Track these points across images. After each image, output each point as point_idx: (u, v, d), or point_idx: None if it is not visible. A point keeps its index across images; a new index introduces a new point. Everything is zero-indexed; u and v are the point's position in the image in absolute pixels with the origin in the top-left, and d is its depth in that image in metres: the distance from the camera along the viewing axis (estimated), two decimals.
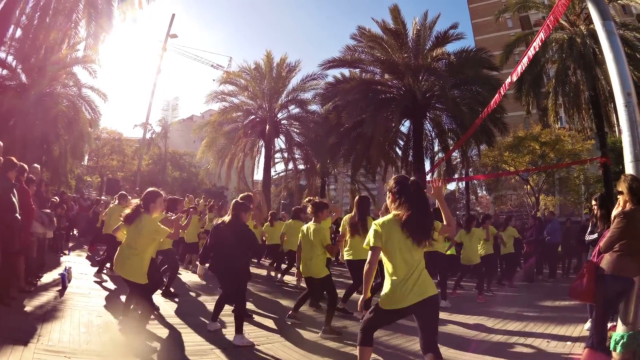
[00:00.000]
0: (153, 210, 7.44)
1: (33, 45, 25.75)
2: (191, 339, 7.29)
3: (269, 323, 8.80)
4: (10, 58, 29.81)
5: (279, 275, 15.14)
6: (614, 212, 6.37)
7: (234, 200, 8.33)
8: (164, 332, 7.57)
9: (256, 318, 9.07)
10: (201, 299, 10.91)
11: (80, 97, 35.65)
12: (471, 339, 8.16)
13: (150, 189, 7.91)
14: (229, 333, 7.66)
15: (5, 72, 30.95)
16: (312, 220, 8.98)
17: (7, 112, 28.45)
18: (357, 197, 10.35)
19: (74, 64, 32.99)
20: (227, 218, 8.01)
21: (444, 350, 7.25)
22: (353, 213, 9.98)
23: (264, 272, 16.54)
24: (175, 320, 8.44)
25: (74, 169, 45.17)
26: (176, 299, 10.43)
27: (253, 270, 13.74)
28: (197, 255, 16.21)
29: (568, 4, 12.36)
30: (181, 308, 9.62)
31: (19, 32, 25.89)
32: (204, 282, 13.04)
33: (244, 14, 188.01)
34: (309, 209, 9.34)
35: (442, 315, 10.43)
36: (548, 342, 7.92)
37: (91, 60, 31.26)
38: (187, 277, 14.44)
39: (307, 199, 9.73)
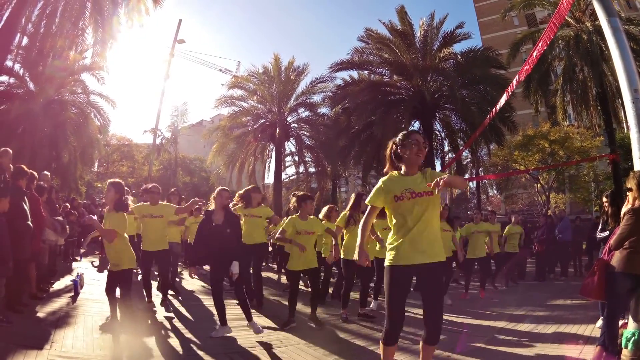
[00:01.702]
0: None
1: (40, 53, 25.83)
2: (203, 343, 7.28)
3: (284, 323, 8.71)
4: (17, 66, 30.05)
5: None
6: (624, 209, 6.35)
7: (218, 188, 8.40)
8: (175, 338, 7.56)
9: (269, 321, 9.07)
10: (209, 304, 10.87)
11: (88, 104, 35.79)
12: (482, 340, 8.15)
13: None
14: (240, 337, 7.69)
15: (12, 80, 31.12)
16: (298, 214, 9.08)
17: (16, 119, 28.60)
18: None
19: (82, 71, 33.15)
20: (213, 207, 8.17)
21: (455, 353, 7.28)
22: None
23: (274, 276, 16.44)
24: (185, 325, 8.46)
25: (84, 175, 45.30)
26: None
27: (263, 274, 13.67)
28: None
29: (573, 2, 12.35)
30: (190, 313, 9.65)
31: (25, 40, 26.02)
32: (209, 287, 13.07)
33: (251, 17, 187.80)
34: (292, 202, 9.43)
35: (452, 316, 10.45)
36: (560, 341, 7.90)
37: (99, 67, 31.35)
38: (193, 281, 14.44)
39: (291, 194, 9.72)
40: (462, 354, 7.13)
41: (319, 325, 8.64)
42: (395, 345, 4.95)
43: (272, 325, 8.83)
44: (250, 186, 11.65)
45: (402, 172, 5.09)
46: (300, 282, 10.28)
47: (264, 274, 12.47)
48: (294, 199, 9.46)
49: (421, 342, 4.90)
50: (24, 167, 8.63)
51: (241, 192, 10.93)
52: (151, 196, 9.71)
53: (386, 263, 4.93)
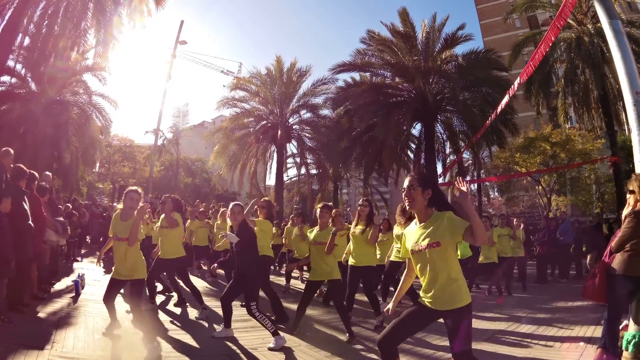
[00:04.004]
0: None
1: (42, 53, 25.84)
2: (205, 344, 7.32)
3: (286, 328, 8.67)
4: (19, 66, 30.08)
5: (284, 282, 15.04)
6: (625, 211, 6.35)
7: (231, 205, 8.40)
8: (176, 338, 7.58)
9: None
10: (212, 305, 10.85)
11: (90, 105, 35.89)
12: (484, 342, 8.16)
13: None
14: (242, 338, 7.70)
15: (14, 80, 31.14)
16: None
17: (17, 119, 28.58)
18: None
19: (84, 71, 33.20)
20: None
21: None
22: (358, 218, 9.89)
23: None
24: (187, 326, 8.49)
25: (85, 176, 45.40)
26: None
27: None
28: (206, 259, 16.29)
29: (575, 4, 12.34)
30: (193, 314, 9.60)
31: (27, 41, 26.03)
32: (215, 289, 13.04)
33: (253, 19, 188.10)
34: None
35: None
36: (561, 343, 7.91)
37: (101, 68, 31.34)
38: (198, 283, 14.44)
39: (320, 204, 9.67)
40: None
41: (351, 340, 8.09)
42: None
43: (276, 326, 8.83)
44: (263, 199, 11.62)
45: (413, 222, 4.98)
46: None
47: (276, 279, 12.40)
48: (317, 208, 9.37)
49: None
50: (23, 167, 8.63)
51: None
52: (162, 205, 9.87)
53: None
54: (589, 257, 16.54)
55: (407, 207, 4.90)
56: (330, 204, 9.62)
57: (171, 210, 9.92)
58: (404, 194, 4.84)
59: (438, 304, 4.61)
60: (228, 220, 8.45)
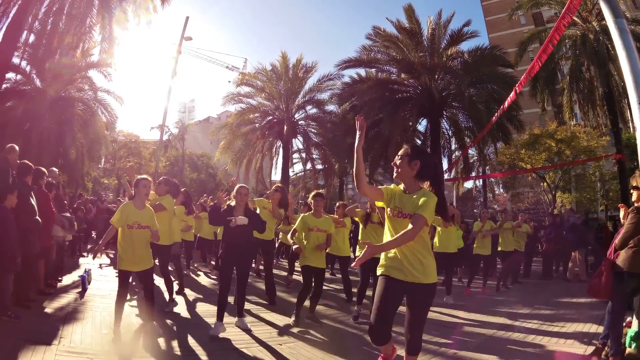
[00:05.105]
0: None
1: (47, 50, 25.82)
2: (209, 340, 7.24)
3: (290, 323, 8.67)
4: (24, 63, 30.24)
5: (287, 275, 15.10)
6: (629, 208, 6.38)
7: (237, 186, 8.45)
8: (182, 334, 7.58)
9: (278, 318, 9.08)
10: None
11: (96, 101, 35.88)
12: (489, 338, 8.19)
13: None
14: (247, 334, 7.72)
15: (19, 77, 31.20)
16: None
17: (22, 116, 28.50)
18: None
19: (89, 67, 33.26)
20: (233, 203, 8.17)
21: (462, 351, 7.29)
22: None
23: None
24: (195, 322, 8.54)
25: (91, 171, 45.42)
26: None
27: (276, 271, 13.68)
28: (212, 254, 16.25)
29: (580, 1, 12.39)
30: (201, 310, 9.67)
31: (32, 37, 26.11)
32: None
33: (258, 15, 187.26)
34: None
35: (460, 313, 10.47)
36: (565, 339, 7.93)
37: (106, 64, 31.20)
38: (204, 278, 14.47)
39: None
40: (468, 351, 7.17)
41: (317, 323, 8.65)
42: (386, 343, 4.97)
43: (282, 320, 8.88)
44: (276, 185, 11.77)
45: (402, 187, 5.02)
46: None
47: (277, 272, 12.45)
48: (310, 197, 9.47)
49: (405, 352, 4.87)
50: (29, 163, 8.66)
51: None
52: (157, 187, 9.69)
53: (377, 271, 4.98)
54: (574, 254, 16.70)
55: (394, 176, 5.00)
56: (321, 191, 9.78)
57: (166, 193, 9.77)
58: (392, 163, 5.00)
59: (409, 275, 4.70)
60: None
